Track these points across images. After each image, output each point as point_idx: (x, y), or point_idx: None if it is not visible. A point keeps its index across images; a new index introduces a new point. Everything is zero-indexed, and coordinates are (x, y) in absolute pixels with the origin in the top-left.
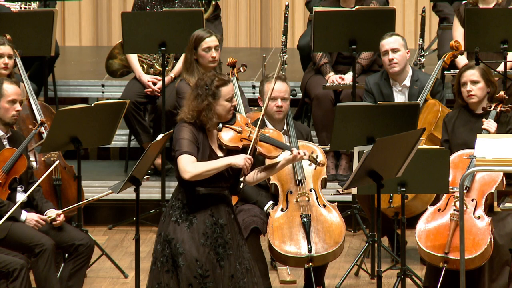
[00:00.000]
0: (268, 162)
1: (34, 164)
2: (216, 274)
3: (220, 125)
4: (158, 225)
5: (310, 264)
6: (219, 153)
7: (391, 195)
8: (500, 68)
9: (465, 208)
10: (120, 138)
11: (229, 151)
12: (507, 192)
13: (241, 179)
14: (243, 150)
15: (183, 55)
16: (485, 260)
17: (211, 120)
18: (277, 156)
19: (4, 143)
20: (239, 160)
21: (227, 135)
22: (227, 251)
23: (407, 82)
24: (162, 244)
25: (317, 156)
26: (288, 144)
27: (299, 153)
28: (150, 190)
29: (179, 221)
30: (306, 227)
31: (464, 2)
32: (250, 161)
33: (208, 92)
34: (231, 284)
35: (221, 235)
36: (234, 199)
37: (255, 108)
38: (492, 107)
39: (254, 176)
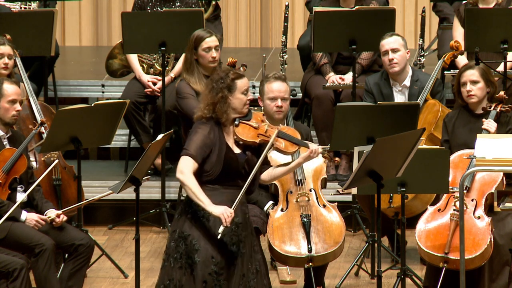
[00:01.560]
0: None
1: (34, 164)
2: (230, 272)
3: (237, 121)
4: (158, 225)
5: (310, 264)
6: (236, 150)
7: (391, 195)
8: (500, 68)
9: (465, 208)
10: (120, 138)
11: (246, 147)
12: (507, 192)
13: (219, 231)
14: (260, 146)
15: (183, 55)
16: (485, 260)
17: (226, 113)
18: (294, 152)
19: (4, 143)
20: (219, 210)
21: (244, 131)
22: (241, 250)
23: (407, 82)
24: (176, 240)
25: (331, 155)
26: (305, 141)
27: (315, 149)
28: (150, 190)
29: (196, 218)
30: (306, 227)
31: (464, 2)
32: (230, 215)
33: (224, 85)
34: (241, 283)
35: (236, 233)
36: None
37: (255, 108)
38: (492, 107)
39: (270, 174)
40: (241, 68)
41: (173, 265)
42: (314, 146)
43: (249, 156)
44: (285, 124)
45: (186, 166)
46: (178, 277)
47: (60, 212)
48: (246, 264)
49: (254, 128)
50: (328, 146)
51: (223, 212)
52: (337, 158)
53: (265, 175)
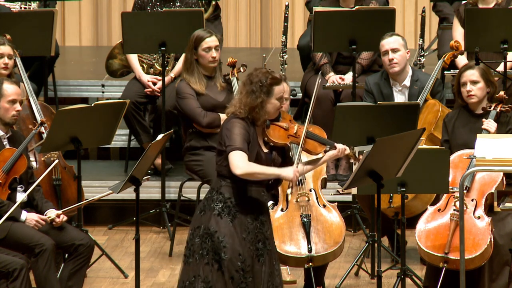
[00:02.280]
0: (309, 157)
1: (34, 164)
2: (256, 270)
3: (268, 122)
4: (158, 225)
5: (310, 264)
6: (265, 149)
7: (391, 195)
8: (500, 68)
9: (465, 208)
10: (120, 138)
11: (274, 147)
12: (507, 192)
13: (289, 192)
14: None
15: (183, 55)
16: (485, 260)
17: (263, 117)
18: (321, 152)
19: (4, 143)
20: (289, 173)
21: (275, 133)
22: (267, 247)
23: (407, 82)
24: (201, 237)
25: (356, 152)
26: (331, 141)
27: (342, 149)
28: (150, 190)
29: (222, 214)
30: (306, 227)
31: (464, 2)
32: (298, 174)
33: (262, 89)
34: (270, 280)
35: (261, 231)
36: None
37: None
38: (492, 107)
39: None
40: (241, 68)
41: (198, 261)
42: (341, 146)
43: (275, 156)
44: None
45: (240, 160)
46: (206, 274)
47: (60, 212)
48: (272, 262)
49: (284, 130)
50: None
51: (294, 176)
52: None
53: None
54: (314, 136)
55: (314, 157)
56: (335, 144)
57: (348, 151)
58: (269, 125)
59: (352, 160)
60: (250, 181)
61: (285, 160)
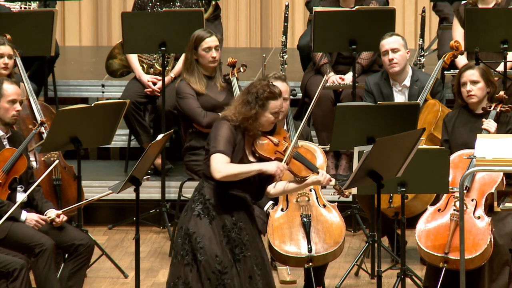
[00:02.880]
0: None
1: (34, 164)
2: (233, 272)
3: (260, 132)
4: (158, 225)
5: (310, 264)
6: (251, 158)
7: (391, 195)
8: (500, 68)
9: (465, 208)
10: (120, 138)
11: (261, 159)
12: (507, 192)
13: (273, 185)
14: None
15: (183, 55)
16: (485, 260)
17: (255, 129)
18: (306, 178)
19: (4, 143)
20: (271, 166)
21: (263, 145)
22: (244, 253)
23: (407, 82)
24: (182, 237)
25: (342, 186)
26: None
27: (326, 179)
28: (150, 190)
29: (201, 215)
30: (306, 227)
31: (463, 2)
32: (283, 168)
33: (258, 102)
34: (249, 286)
35: (239, 236)
36: None
37: None
38: (492, 107)
39: (276, 189)
40: (241, 68)
41: (180, 262)
42: (326, 175)
43: None
44: (285, 124)
45: (219, 163)
46: (186, 275)
47: (60, 212)
48: (252, 267)
49: (273, 144)
50: (328, 146)
51: (276, 170)
52: (347, 192)
53: (270, 189)
54: (302, 158)
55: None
56: (320, 172)
57: (333, 182)
58: (260, 136)
59: (336, 194)
60: (233, 186)
61: (270, 176)
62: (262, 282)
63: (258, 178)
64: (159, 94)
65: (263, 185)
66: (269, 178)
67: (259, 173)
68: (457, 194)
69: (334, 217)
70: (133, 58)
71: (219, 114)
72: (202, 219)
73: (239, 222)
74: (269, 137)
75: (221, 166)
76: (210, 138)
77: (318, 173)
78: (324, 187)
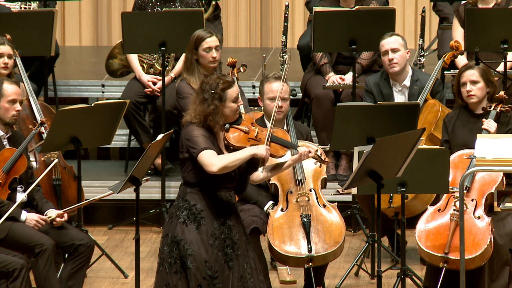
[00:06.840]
0: (273, 161)
1: (34, 164)
2: (225, 275)
3: (227, 125)
4: (158, 225)
5: (310, 264)
6: (226, 153)
7: (391, 195)
8: (500, 68)
9: (465, 208)
10: (120, 138)
11: (235, 151)
12: (507, 192)
13: (260, 169)
14: None
15: (184, 55)
16: (485, 260)
17: (218, 123)
18: (283, 155)
19: (4, 143)
20: (261, 150)
21: (235, 136)
22: (236, 252)
23: (407, 82)
24: (169, 245)
25: (321, 154)
26: (293, 143)
27: (305, 152)
28: (150, 190)
29: (187, 222)
30: (306, 227)
31: (463, 2)
32: (269, 151)
33: (214, 96)
34: (240, 285)
35: (229, 236)
36: None
37: (255, 108)
38: (492, 107)
39: (259, 175)
40: (241, 68)
41: (168, 270)
42: (304, 149)
43: None
44: (285, 124)
45: (211, 158)
46: (175, 282)
47: (61, 212)
48: (242, 265)
49: (244, 133)
50: (328, 146)
51: (266, 153)
52: (327, 159)
53: (255, 176)
54: (277, 139)
55: (278, 160)
56: (298, 147)
57: (312, 153)
58: (228, 129)
59: (317, 163)
60: (218, 186)
61: (251, 165)
62: (254, 280)
63: (239, 170)
64: (159, 94)
65: (245, 176)
66: (252, 167)
67: (241, 164)
68: (457, 194)
69: (334, 217)
70: (133, 58)
71: None
72: (189, 226)
73: (228, 221)
74: (238, 127)
75: (214, 159)
76: (185, 146)
77: (295, 148)
78: (324, 186)
